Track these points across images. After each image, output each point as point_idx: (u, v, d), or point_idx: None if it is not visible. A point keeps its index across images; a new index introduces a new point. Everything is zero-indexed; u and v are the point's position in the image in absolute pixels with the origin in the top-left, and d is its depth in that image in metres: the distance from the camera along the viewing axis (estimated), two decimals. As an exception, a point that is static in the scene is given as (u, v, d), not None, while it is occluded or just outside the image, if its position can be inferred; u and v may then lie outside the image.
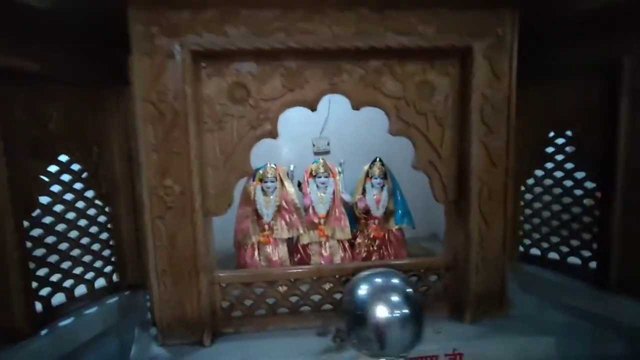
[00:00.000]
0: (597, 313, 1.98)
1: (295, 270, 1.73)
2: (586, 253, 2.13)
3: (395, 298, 1.38)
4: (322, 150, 2.95)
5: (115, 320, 1.99)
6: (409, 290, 1.44)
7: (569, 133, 2.18)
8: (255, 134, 1.59)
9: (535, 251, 2.39)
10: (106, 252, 2.10)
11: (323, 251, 2.21)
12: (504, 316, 1.75)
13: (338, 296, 1.73)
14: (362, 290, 1.42)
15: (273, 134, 1.61)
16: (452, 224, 1.79)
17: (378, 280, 1.46)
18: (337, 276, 1.72)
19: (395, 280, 1.46)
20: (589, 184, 2.10)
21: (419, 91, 1.64)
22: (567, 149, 2.20)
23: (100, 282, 2.06)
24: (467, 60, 1.59)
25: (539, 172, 2.33)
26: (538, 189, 2.35)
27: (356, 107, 1.64)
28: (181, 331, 1.60)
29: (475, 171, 1.63)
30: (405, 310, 1.35)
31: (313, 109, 1.63)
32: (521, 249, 2.44)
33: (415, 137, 1.67)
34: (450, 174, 1.71)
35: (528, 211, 2.40)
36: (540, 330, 1.66)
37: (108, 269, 2.10)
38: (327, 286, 1.73)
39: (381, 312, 1.34)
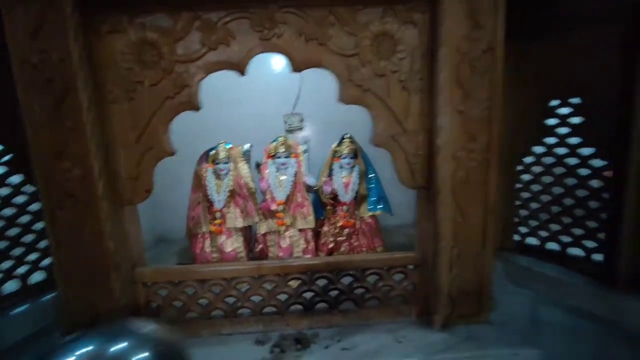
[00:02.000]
0: (601, 314, 1.68)
1: (230, 268, 1.47)
2: (591, 244, 1.80)
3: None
4: (294, 127, 2.64)
5: (52, 320, 1.79)
6: None
7: (576, 100, 1.80)
8: (173, 104, 1.30)
9: (532, 241, 2.06)
10: (43, 244, 1.88)
11: (282, 242, 1.94)
12: (484, 321, 1.45)
13: (282, 297, 1.47)
14: None
15: (193, 105, 1.31)
16: (422, 214, 1.48)
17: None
18: (281, 274, 1.45)
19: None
20: (598, 162, 1.74)
21: (377, 46, 1.30)
22: (573, 120, 1.83)
23: (37, 277, 1.85)
24: (436, 3, 1.23)
25: (538, 149, 1.97)
26: (537, 169, 1.99)
27: (297, 68, 1.32)
28: (97, 337, 1.38)
29: (446, 148, 1.30)
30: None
31: (242, 72, 1.31)
32: (517, 237, 2.12)
33: (373, 105, 1.34)
34: (418, 153, 1.38)
35: (525, 195, 2.06)
36: (524, 339, 1.36)
37: (46, 262, 1.89)
38: (269, 286, 1.46)
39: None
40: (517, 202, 2.09)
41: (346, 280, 1.47)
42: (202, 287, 1.45)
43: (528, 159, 2.01)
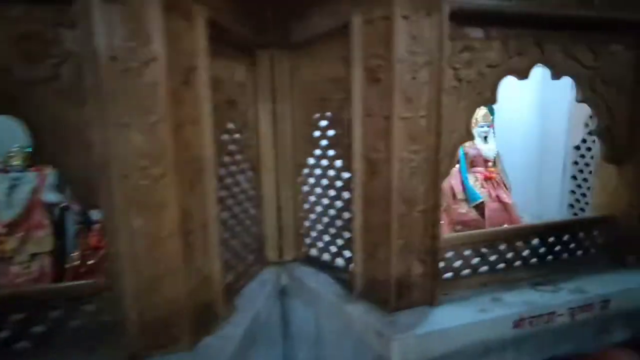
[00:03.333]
0: (336, 321, 1.73)
1: None
2: (348, 253, 1.84)
3: None
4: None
5: None
6: None
7: (329, 114, 1.83)
8: None
9: (314, 252, 2.07)
10: None
11: (10, 269, 1.66)
12: (186, 349, 1.35)
13: None
14: None
15: None
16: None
17: None
18: None
19: None
20: (347, 175, 1.78)
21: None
22: (330, 132, 1.86)
23: None
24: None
25: (311, 161, 1.98)
26: (312, 180, 2.00)
27: None
28: None
29: (115, 166, 1.17)
30: None
31: None
32: (305, 249, 2.12)
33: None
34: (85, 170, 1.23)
35: (306, 206, 2.06)
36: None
37: None
38: None
39: None
40: (301, 214, 2.08)
41: (18, 317, 1.26)
42: None
43: (305, 171, 2.02)
